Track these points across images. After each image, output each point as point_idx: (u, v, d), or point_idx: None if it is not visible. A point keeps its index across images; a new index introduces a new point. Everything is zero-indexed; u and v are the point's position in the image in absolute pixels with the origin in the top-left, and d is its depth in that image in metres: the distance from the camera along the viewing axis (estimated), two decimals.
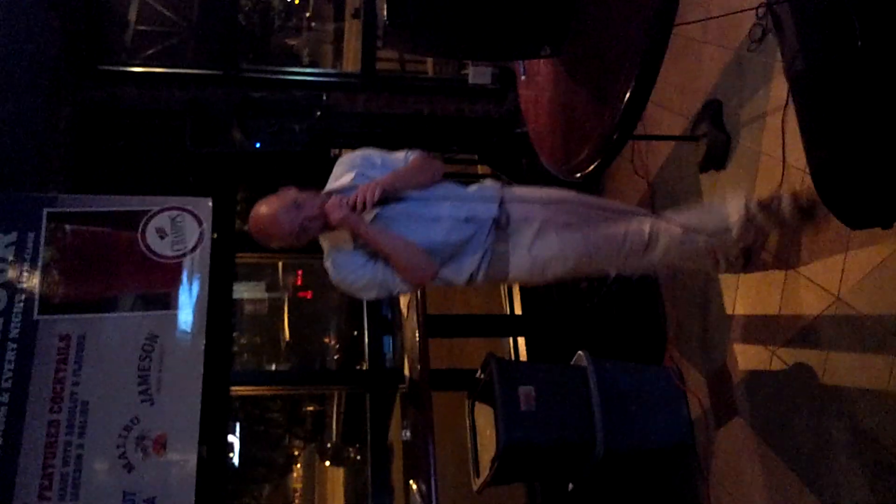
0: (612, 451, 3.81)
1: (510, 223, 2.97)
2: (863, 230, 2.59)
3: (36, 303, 4.02)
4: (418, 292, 4.17)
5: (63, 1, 5.26)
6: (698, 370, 3.87)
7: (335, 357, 14.36)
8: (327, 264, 2.91)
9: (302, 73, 6.49)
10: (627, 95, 1.61)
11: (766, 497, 3.28)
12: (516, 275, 3.01)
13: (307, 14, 15.05)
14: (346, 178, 2.92)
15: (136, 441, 3.81)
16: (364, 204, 2.73)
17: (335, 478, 20.66)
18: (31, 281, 4.06)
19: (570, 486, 4.14)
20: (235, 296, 5.07)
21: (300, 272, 14.74)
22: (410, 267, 2.82)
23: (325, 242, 2.92)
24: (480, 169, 6.29)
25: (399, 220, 2.85)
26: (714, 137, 3.74)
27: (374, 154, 3.00)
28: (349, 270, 2.85)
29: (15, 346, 3.92)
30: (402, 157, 2.99)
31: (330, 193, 2.88)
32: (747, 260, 3.35)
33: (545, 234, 2.98)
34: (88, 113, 5.36)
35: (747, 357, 3.46)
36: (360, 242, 2.82)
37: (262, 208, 2.78)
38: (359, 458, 15.45)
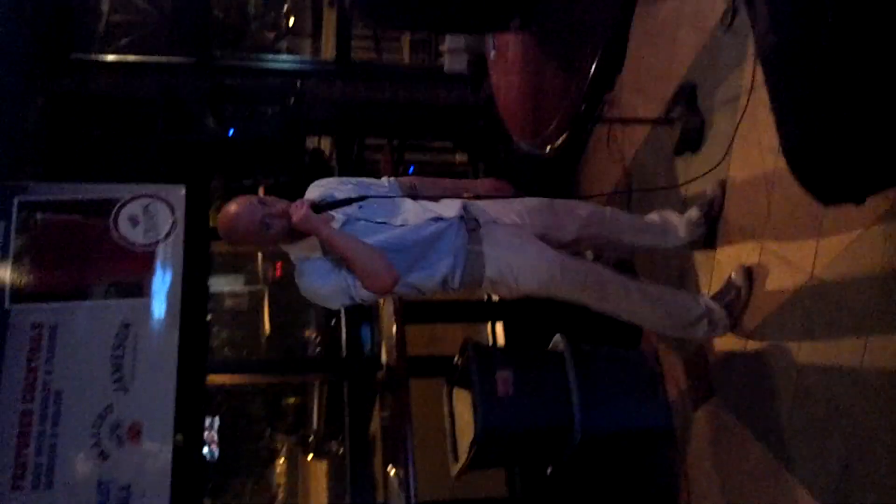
0: (589, 435, 3.81)
1: (481, 225, 3.05)
2: (836, 207, 2.59)
3: (7, 292, 4.00)
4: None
5: None
6: (675, 353, 3.87)
7: (316, 350, 14.33)
8: (297, 277, 2.92)
9: (276, 61, 6.48)
10: (594, 66, 1.59)
11: (743, 478, 3.29)
12: (491, 276, 3.02)
13: (284, 7, 14.94)
14: (314, 194, 2.97)
15: (110, 429, 3.78)
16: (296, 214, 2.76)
17: (318, 471, 20.58)
18: (2, 270, 4.02)
19: (549, 469, 4.14)
20: (214, 289, 5.04)
21: (279, 264, 14.66)
22: (369, 271, 2.79)
23: (293, 253, 2.94)
24: (458, 157, 6.28)
25: (364, 227, 2.89)
26: (688, 120, 3.73)
27: (349, 179, 3.08)
28: (315, 277, 2.87)
29: None
30: (381, 182, 3.11)
31: None
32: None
33: (519, 236, 3.09)
34: (61, 102, 5.31)
35: (723, 339, 3.45)
36: (327, 250, 2.84)
37: (230, 203, 2.84)
38: (342, 450, 15.40)
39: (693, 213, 3.48)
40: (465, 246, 2.99)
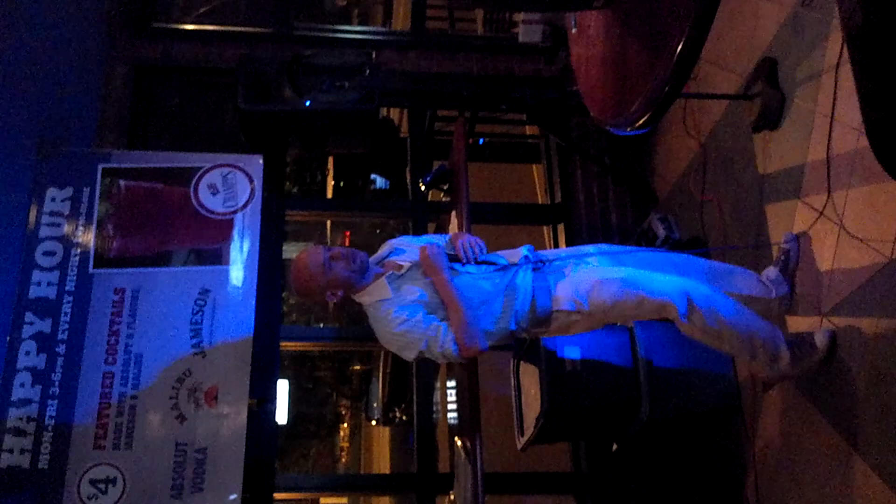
0: (657, 412, 3.80)
1: (546, 264, 3.20)
2: None
3: (91, 257, 4.11)
4: None
5: None
6: None
7: None
8: (375, 321, 3.09)
9: (352, 32, 6.49)
10: (680, 46, 1.58)
11: (811, 459, 3.27)
12: (559, 302, 3.09)
13: None
14: (383, 252, 3.25)
15: (188, 392, 3.89)
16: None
17: (381, 436, 20.92)
18: (87, 235, 4.14)
19: (615, 445, 4.15)
20: (285, 256, 5.12)
21: (348, 233, 14.83)
22: (464, 330, 2.95)
23: (364, 300, 3.13)
24: (528, 130, 6.26)
25: (458, 283, 3.05)
26: (768, 96, 3.68)
27: (406, 238, 3.38)
28: (402, 310, 2.99)
29: (71, 298, 4.02)
30: (441, 237, 3.40)
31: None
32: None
33: (585, 265, 3.23)
34: (143, 71, 5.41)
35: (797, 319, 3.43)
36: (399, 292, 3.03)
37: (301, 253, 3.10)
38: (405, 417, 15.62)
39: (770, 272, 3.47)
40: (532, 283, 3.12)
